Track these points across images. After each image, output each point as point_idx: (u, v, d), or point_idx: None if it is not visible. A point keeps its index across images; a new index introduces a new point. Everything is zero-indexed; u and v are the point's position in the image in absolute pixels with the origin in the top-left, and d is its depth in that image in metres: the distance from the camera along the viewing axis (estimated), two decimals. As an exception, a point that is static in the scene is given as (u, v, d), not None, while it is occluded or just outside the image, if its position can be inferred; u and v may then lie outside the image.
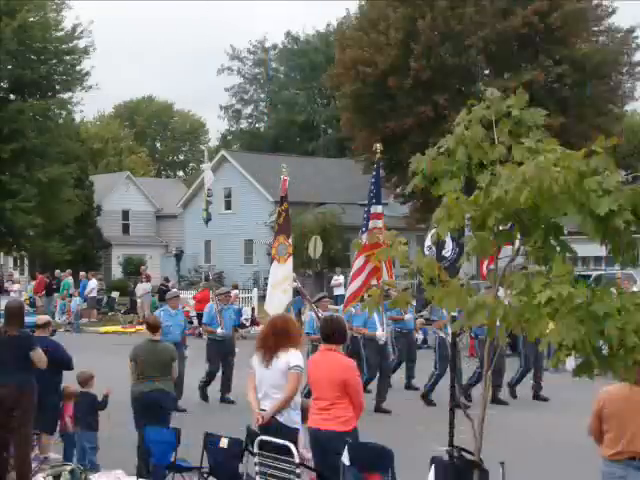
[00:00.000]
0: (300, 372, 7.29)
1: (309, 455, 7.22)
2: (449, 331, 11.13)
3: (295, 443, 6.86)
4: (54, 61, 37.23)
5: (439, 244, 8.85)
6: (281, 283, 13.75)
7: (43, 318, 10.13)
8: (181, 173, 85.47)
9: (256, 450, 6.94)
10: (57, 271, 34.77)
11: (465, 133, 4.74)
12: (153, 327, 9.70)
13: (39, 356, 8.44)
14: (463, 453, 5.48)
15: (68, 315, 30.62)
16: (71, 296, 31.10)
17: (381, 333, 13.61)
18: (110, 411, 9.58)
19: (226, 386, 14.48)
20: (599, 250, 5.08)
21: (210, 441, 7.71)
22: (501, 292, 4.79)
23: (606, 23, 37.82)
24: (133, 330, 27.54)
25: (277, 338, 7.33)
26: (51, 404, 9.26)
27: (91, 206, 47.62)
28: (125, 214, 53.53)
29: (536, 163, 4.31)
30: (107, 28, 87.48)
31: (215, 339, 14.66)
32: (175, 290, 18.31)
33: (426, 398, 14.15)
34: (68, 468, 8.72)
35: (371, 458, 6.57)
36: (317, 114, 65.88)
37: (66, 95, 38.28)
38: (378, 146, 13.64)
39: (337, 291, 30.80)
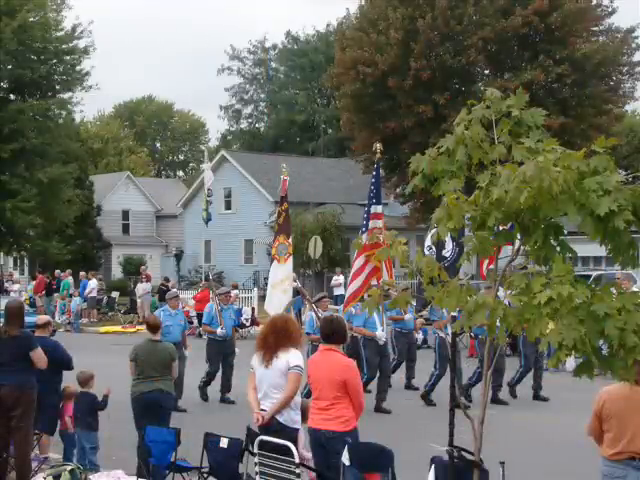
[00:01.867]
0: (300, 372, 7.29)
1: (309, 455, 7.22)
2: (449, 331, 11.12)
3: (295, 443, 6.86)
4: (54, 61, 37.23)
5: (439, 244, 8.86)
6: (281, 283, 13.76)
7: (43, 318, 10.13)
8: (181, 173, 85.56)
9: (256, 450, 6.95)
10: (57, 271, 34.77)
11: (465, 133, 4.74)
12: (153, 327, 9.70)
13: (39, 356, 8.44)
14: (463, 453, 5.48)
15: (68, 315, 30.62)
16: (71, 296, 31.08)
17: (381, 333, 13.62)
18: (110, 411, 9.58)
19: (226, 386, 14.47)
20: (599, 250, 5.08)
21: (210, 441, 7.72)
22: (501, 292, 4.79)
23: (606, 23, 37.82)
24: (133, 330, 27.55)
25: (277, 338, 7.33)
26: (51, 404, 9.26)
27: (91, 206, 47.65)
28: (125, 214, 53.54)
29: (536, 163, 4.31)
30: (107, 28, 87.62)
31: (215, 339, 14.66)
32: (175, 290, 18.29)
33: (426, 398, 14.15)
34: (68, 468, 8.71)
35: (371, 458, 6.57)
36: (317, 114, 65.91)
37: (66, 95, 38.31)
38: (378, 146, 13.64)
39: (337, 291, 30.81)
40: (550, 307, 4.30)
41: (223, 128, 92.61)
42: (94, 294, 31.71)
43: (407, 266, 5.09)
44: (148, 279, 31.89)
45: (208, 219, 27.30)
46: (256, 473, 6.99)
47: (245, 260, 44.80)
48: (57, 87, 38.20)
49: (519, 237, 4.72)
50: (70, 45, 37.51)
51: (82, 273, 33.29)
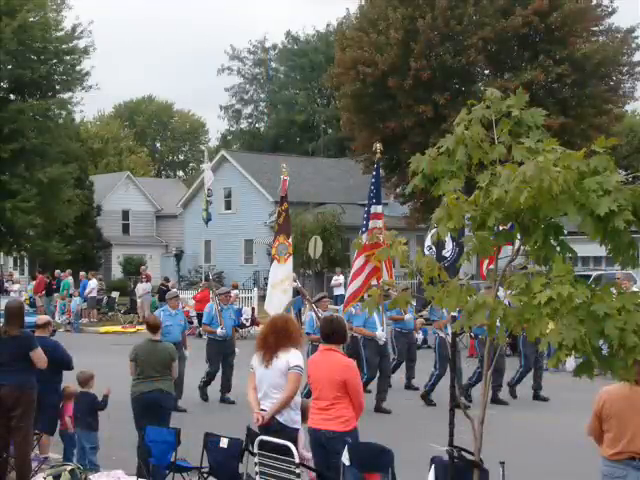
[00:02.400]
0: (300, 372, 7.29)
1: (309, 455, 7.22)
2: (449, 331, 11.12)
3: (295, 443, 6.86)
4: (54, 61, 37.22)
5: (439, 244, 8.86)
6: (281, 283, 13.76)
7: (43, 318, 10.13)
8: (181, 173, 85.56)
9: (256, 450, 6.94)
10: (57, 271, 34.76)
11: (465, 133, 4.73)
12: (153, 327, 9.70)
13: (39, 356, 8.44)
14: (463, 453, 5.48)
15: (68, 315, 30.62)
16: (71, 296, 31.08)
17: (381, 333, 13.62)
18: (110, 411, 9.58)
19: (226, 386, 14.47)
20: (599, 250, 5.08)
21: (210, 441, 7.71)
22: (501, 292, 4.79)
23: (606, 23, 37.83)
24: (133, 330, 27.55)
25: (277, 338, 7.33)
26: (51, 404, 9.26)
27: (91, 206, 47.66)
28: (125, 214, 53.54)
29: (536, 163, 4.31)
30: (107, 28, 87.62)
31: (215, 339, 14.66)
32: (175, 290, 18.29)
33: (426, 398, 14.15)
34: (68, 468, 8.71)
35: (371, 458, 6.57)
36: (317, 114, 65.90)
37: (66, 95, 38.32)
38: (378, 146, 13.65)
39: (337, 291, 30.81)
40: (550, 307, 4.30)
41: (223, 128, 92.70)
42: (94, 294, 31.71)
43: (407, 266, 5.09)
44: (148, 279, 31.88)
45: (208, 219, 27.31)
46: (256, 473, 6.99)
47: (245, 260, 44.79)
48: (57, 87, 38.19)
49: (519, 237, 4.72)
50: (70, 45, 37.51)
51: (82, 273, 33.28)
